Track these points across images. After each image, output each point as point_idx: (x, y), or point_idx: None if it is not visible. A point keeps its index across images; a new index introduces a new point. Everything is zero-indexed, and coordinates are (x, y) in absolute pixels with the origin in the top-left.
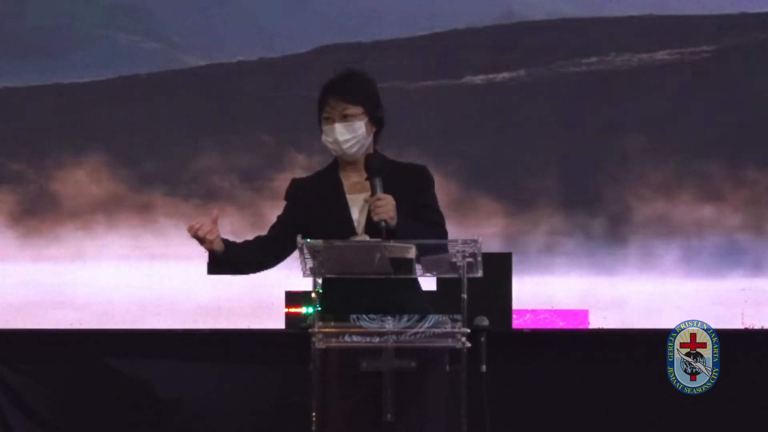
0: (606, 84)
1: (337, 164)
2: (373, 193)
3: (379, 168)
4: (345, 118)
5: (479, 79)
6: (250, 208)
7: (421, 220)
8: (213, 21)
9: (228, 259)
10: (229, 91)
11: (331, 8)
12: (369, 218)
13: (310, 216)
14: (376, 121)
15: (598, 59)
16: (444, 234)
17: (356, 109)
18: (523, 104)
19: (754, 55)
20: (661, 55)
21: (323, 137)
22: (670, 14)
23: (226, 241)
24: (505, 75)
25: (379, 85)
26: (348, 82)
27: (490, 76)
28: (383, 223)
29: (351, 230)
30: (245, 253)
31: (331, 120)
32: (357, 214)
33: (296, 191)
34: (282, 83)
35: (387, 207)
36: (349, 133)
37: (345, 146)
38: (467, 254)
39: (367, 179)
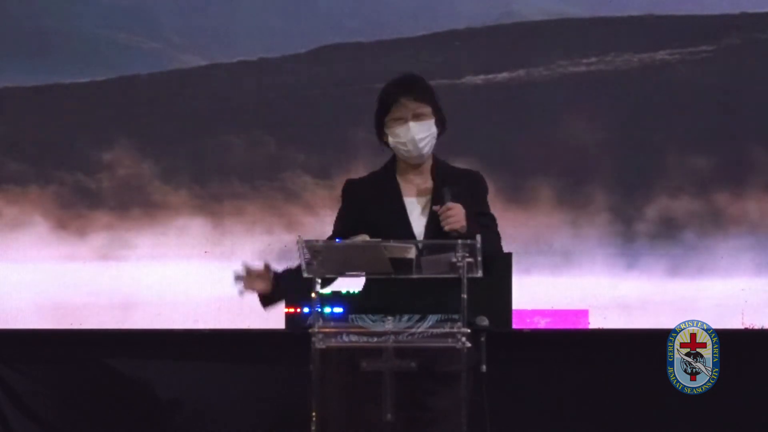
0: (606, 84)
1: (394, 166)
2: (443, 202)
3: (449, 177)
4: (419, 117)
5: (479, 79)
6: (250, 208)
7: (485, 228)
8: (213, 21)
9: (280, 296)
10: (229, 91)
11: (331, 8)
12: (431, 225)
13: (369, 220)
14: (441, 123)
15: (598, 59)
16: (499, 239)
17: (427, 109)
18: (523, 104)
19: (754, 55)
20: (661, 55)
21: (392, 139)
22: (670, 14)
23: (279, 275)
24: (505, 75)
25: (379, 85)
26: (415, 83)
27: (490, 76)
28: (455, 233)
29: (410, 235)
30: (302, 283)
31: (403, 120)
32: (416, 219)
33: (352, 194)
34: (282, 83)
35: (458, 216)
36: (425, 132)
37: (421, 144)
38: (467, 254)
39: (435, 186)
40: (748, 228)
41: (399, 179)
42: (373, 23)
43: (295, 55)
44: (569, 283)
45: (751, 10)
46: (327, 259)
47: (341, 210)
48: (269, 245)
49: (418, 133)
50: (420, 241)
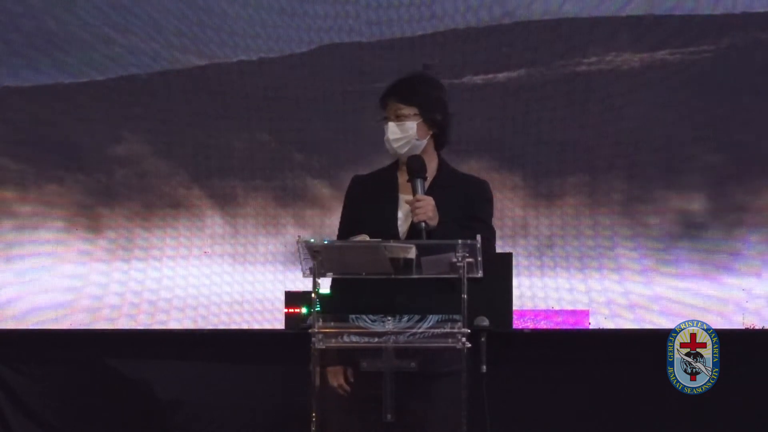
0: (606, 84)
1: (397, 163)
2: (414, 193)
3: (419, 169)
4: (398, 117)
5: (479, 79)
6: (250, 207)
7: (468, 230)
8: (213, 21)
9: None
10: (229, 91)
11: (331, 8)
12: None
13: (363, 211)
14: (434, 124)
15: (598, 59)
16: (489, 247)
17: (410, 110)
18: (523, 104)
19: (755, 55)
20: (661, 55)
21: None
22: (670, 14)
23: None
24: (505, 75)
25: (380, 84)
26: (405, 84)
27: (490, 76)
28: (423, 224)
29: (394, 228)
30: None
31: (387, 120)
32: (403, 213)
33: (354, 189)
34: (282, 83)
35: (426, 208)
36: (401, 132)
37: (395, 145)
38: (467, 254)
39: (408, 180)
40: (748, 229)
41: (399, 176)
42: (373, 23)
43: (295, 55)
44: (570, 283)
45: (751, 10)
46: (327, 259)
47: (343, 209)
48: (267, 246)
49: (393, 134)
50: (419, 242)
